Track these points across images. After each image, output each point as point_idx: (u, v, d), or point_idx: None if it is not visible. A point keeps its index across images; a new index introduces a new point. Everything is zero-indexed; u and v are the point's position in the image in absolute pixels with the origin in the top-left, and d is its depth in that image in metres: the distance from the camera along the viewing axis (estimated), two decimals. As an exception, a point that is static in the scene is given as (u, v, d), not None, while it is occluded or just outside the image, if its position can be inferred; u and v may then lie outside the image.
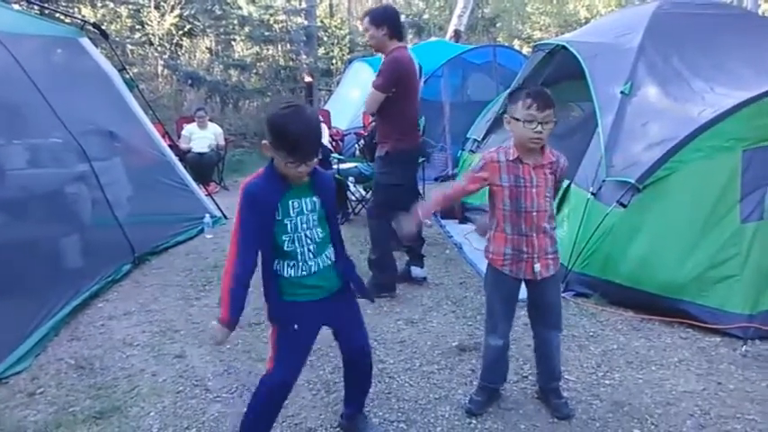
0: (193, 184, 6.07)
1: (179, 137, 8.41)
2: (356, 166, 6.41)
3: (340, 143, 8.77)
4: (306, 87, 11.57)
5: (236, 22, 13.96)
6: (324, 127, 7.07)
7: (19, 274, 3.56)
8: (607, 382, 2.97)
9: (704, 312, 3.49)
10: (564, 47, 5.25)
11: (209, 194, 6.51)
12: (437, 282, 4.43)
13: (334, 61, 15.28)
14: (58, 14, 8.65)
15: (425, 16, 18.93)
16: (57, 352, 3.36)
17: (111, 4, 12.18)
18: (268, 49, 14.44)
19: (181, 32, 12.89)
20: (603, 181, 4.00)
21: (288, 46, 14.57)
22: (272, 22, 14.24)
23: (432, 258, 4.83)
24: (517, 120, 2.41)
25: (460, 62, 8.94)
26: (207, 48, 13.65)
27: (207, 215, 5.86)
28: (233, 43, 14.22)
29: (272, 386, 2.22)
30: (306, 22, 14.34)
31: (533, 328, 2.72)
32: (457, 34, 13.00)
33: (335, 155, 6.95)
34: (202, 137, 8.38)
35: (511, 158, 2.46)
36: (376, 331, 3.56)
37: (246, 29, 13.88)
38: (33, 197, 4.08)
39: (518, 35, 20.25)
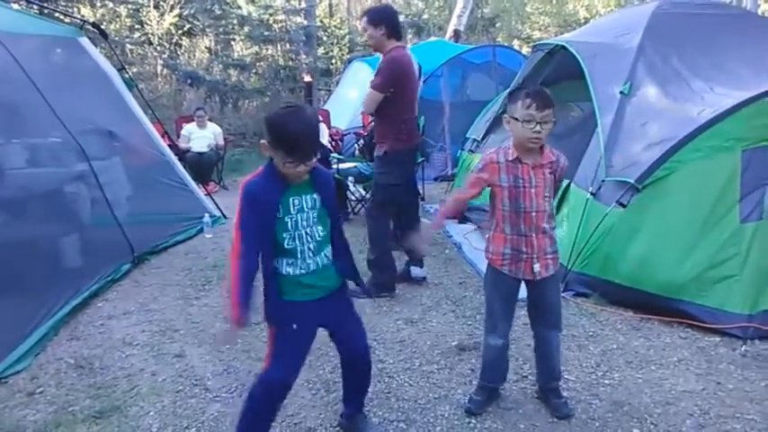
0: (193, 184, 6.07)
1: (178, 136, 8.41)
2: (356, 166, 6.41)
3: (339, 143, 8.76)
4: (305, 87, 11.57)
5: (235, 21, 13.96)
6: (323, 127, 7.07)
7: (18, 273, 3.56)
8: (606, 381, 2.97)
9: (703, 312, 3.49)
10: (563, 47, 5.25)
11: (208, 194, 6.51)
12: (436, 281, 4.44)
13: (333, 61, 15.28)
14: (57, 14, 8.65)
15: (425, 16, 18.93)
16: (56, 351, 3.36)
17: (111, 4, 12.18)
18: (267, 49, 14.44)
19: (180, 32, 12.89)
20: (603, 181, 4.00)
21: (287, 46, 14.56)
22: (271, 21, 14.23)
23: (431, 258, 4.83)
24: (516, 119, 2.42)
25: (460, 62, 8.93)
26: (206, 47, 13.66)
27: (206, 215, 5.87)
28: (232, 43, 14.23)
29: (271, 386, 2.22)
30: (305, 22, 14.34)
31: (533, 328, 2.72)
32: (456, 34, 13.00)
33: (335, 155, 6.95)
34: (202, 136, 8.38)
35: (510, 159, 2.47)
36: (375, 331, 3.56)
37: (246, 28, 13.88)
38: (32, 196, 4.08)
39: (517, 35, 20.26)
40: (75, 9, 11.24)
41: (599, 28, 5.86)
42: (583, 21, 18.51)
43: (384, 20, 3.96)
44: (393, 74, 3.91)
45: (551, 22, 20.79)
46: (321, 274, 2.21)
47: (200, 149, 8.20)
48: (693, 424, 2.61)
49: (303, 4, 14.41)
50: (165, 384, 3.00)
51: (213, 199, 6.37)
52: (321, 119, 6.00)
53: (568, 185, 4.26)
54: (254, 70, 13.84)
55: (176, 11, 12.43)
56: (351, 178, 6.21)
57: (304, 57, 14.24)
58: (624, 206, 3.80)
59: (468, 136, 6.66)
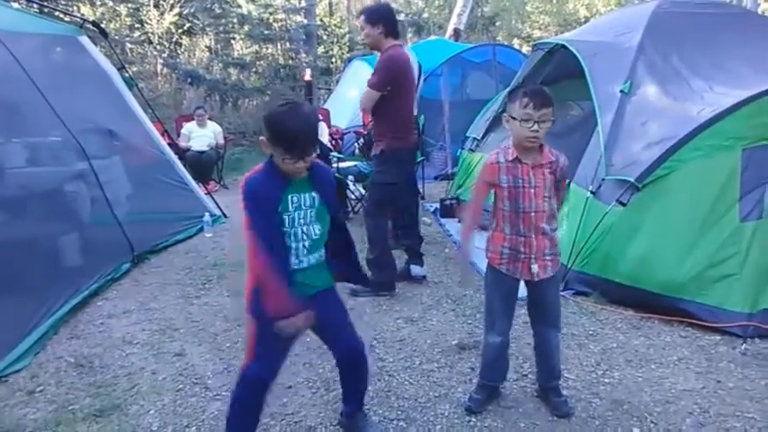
0: (193, 183, 6.07)
1: (178, 135, 8.41)
2: (356, 165, 6.41)
3: (339, 142, 8.76)
4: (305, 86, 11.57)
5: (235, 20, 13.96)
6: (323, 125, 7.07)
7: (18, 272, 3.56)
8: (606, 380, 2.97)
9: (703, 311, 3.50)
10: (563, 46, 5.26)
11: (208, 193, 6.51)
12: (436, 280, 4.44)
13: (333, 60, 15.29)
14: (57, 13, 8.63)
15: (425, 15, 18.94)
16: (56, 350, 3.36)
17: (111, 3, 12.18)
18: (267, 48, 14.44)
19: (180, 31, 12.88)
20: (603, 180, 4.01)
21: (287, 44, 14.57)
22: (271, 20, 14.23)
23: (431, 257, 4.84)
24: (514, 119, 2.42)
25: (460, 61, 8.93)
26: (206, 46, 13.66)
27: (206, 214, 5.87)
28: (232, 42, 14.23)
29: (252, 383, 2.22)
30: (305, 21, 14.35)
31: (533, 327, 2.72)
32: (456, 33, 13.00)
33: (335, 153, 6.95)
34: (202, 135, 8.38)
35: (510, 159, 2.47)
36: (376, 330, 3.56)
37: (246, 27, 13.88)
38: (32, 195, 4.08)
39: (518, 34, 20.26)
40: (75, 8, 11.24)
41: (599, 27, 5.86)
42: (583, 20, 18.52)
43: (381, 18, 3.96)
44: (390, 72, 3.90)
45: (551, 21, 20.80)
46: (313, 272, 2.20)
47: (200, 148, 8.20)
48: (693, 422, 2.61)
49: (303, 3, 14.41)
50: (165, 383, 3.00)
51: (213, 198, 6.37)
52: (321, 118, 6.00)
53: (568, 184, 4.26)
54: (254, 69, 13.85)
55: (176, 10, 12.43)
56: (351, 177, 6.21)
57: (304, 56, 14.24)
58: (624, 205, 3.80)
59: (468, 135, 6.66)
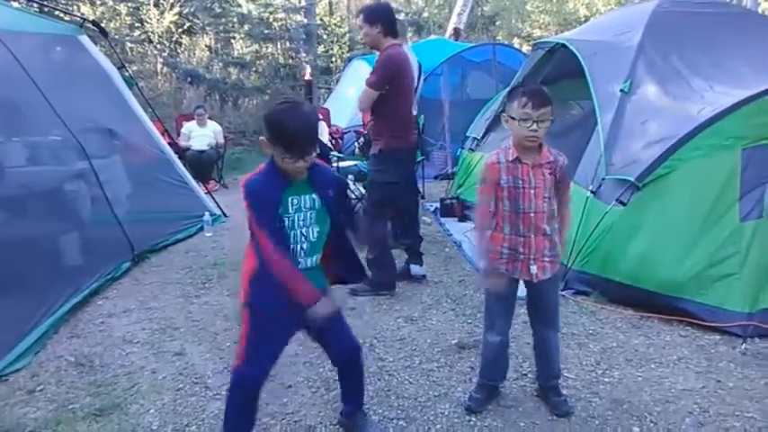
0: (193, 182, 6.07)
1: (178, 135, 8.41)
2: (356, 164, 6.42)
3: (339, 141, 8.76)
4: (305, 85, 11.57)
5: (235, 19, 13.95)
6: (323, 125, 7.07)
7: (18, 271, 3.56)
8: (606, 379, 2.98)
9: (703, 310, 3.50)
10: (563, 45, 5.26)
11: (208, 192, 6.51)
12: (436, 280, 4.44)
13: (333, 59, 15.28)
14: (57, 12, 8.63)
15: (425, 14, 18.93)
16: (56, 349, 3.36)
17: (111, 2, 12.17)
18: (267, 47, 14.44)
19: (180, 30, 12.88)
20: (603, 179, 4.01)
21: (287, 44, 14.56)
22: (271, 19, 14.22)
23: (431, 256, 4.84)
24: (513, 118, 2.42)
25: (460, 60, 8.93)
26: (206, 45, 13.65)
27: (206, 213, 5.87)
28: (232, 41, 14.22)
29: (243, 383, 2.24)
30: (305, 20, 14.33)
31: (532, 327, 2.73)
32: (456, 32, 13.00)
33: (335, 153, 6.95)
34: (202, 135, 8.38)
35: (510, 159, 2.46)
36: (375, 329, 3.57)
37: (246, 27, 13.87)
38: (33, 195, 4.08)
39: (518, 33, 20.27)
40: (75, 7, 11.24)
41: (599, 26, 5.86)
42: (583, 19, 18.52)
43: (380, 18, 3.95)
44: (388, 71, 3.89)
45: (551, 21, 20.80)
46: (310, 275, 2.19)
47: (200, 148, 8.20)
48: (693, 422, 2.61)
49: (303, 3, 14.39)
50: (165, 382, 3.00)
51: (213, 197, 6.37)
52: (321, 117, 6.00)
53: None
54: (254, 68, 13.84)
55: (176, 9, 12.42)
56: (351, 176, 6.21)
57: (304, 55, 14.23)
58: (624, 204, 3.80)
59: (468, 134, 6.66)
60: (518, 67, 6.87)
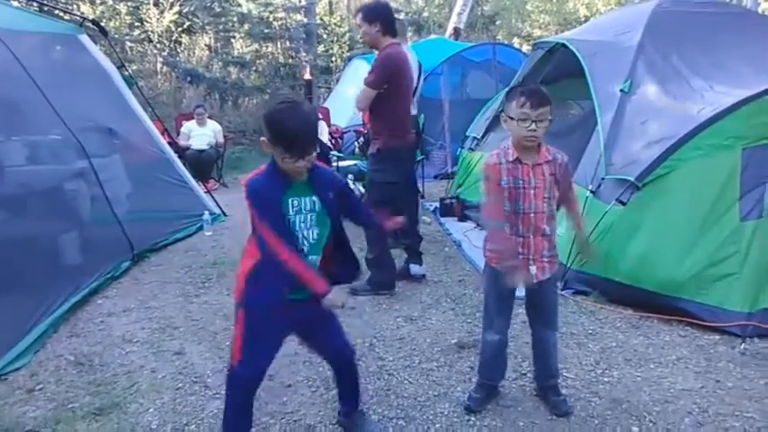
0: (192, 182, 6.07)
1: (178, 134, 8.41)
2: (355, 164, 6.42)
3: (339, 141, 8.76)
4: (305, 84, 11.57)
5: (235, 19, 13.96)
6: (323, 124, 7.07)
7: (18, 270, 3.56)
8: (606, 379, 2.98)
9: (703, 310, 3.49)
10: (563, 45, 5.26)
11: (208, 192, 6.51)
12: (436, 279, 4.44)
13: (333, 59, 15.27)
14: (57, 11, 8.63)
15: (425, 14, 18.94)
16: (56, 348, 3.36)
17: (110, 1, 12.18)
18: (267, 47, 14.43)
19: (180, 29, 12.88)
20: (603, 179, 4.01)
21: (287, 43, 14.55)
22: (271, 19, 14.22)
23: (431, 256, 4.84)
24: (512, 118, 2.42)
25: (460, 60, 8.93)
26: (206, 45, 13.65)
27: (206, 212, 5.87)
28: (232, 40, 14.22)
29: (239, 383, 2.25)
30: (305, 20, 14.33)
31: (531, 326, 2.73)
32: (456, 32, 12.99)
33: (335, 152, 6.95)
34: (201, 134, 8.38)
35: (510, 159, 2.46)
36: (375, 328, 3.57)
37: (246, 26, 13.88)
38: (32, 194, 4.08)
39: (518, 33, 20.27)
40: (75, 6, 11.23)
41: (599, 26, 5.86)
42: (583, 19, 18.52)
43: (379, 16, 3.95)
44: (387, 71, 3.89)
45: (551, 21, 20.80)
46: None
47: (199, 147, 8.21)
48: (692, 422, 2.61)
49: (303, 2, 14.39)
50: (164, 381, 3.00)
51: (213, 196, 6.38)
52: (321, 116, 6.00)
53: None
54: (253, 68, 13.84)
55: (176, 8, 12.43)
56: (350, 176, 6.21)
57: (304, 54, 14.22)
58: (624, 204, 3.80)
59: (467, 134, 6.66)
60: (518, 66, 6.87)
